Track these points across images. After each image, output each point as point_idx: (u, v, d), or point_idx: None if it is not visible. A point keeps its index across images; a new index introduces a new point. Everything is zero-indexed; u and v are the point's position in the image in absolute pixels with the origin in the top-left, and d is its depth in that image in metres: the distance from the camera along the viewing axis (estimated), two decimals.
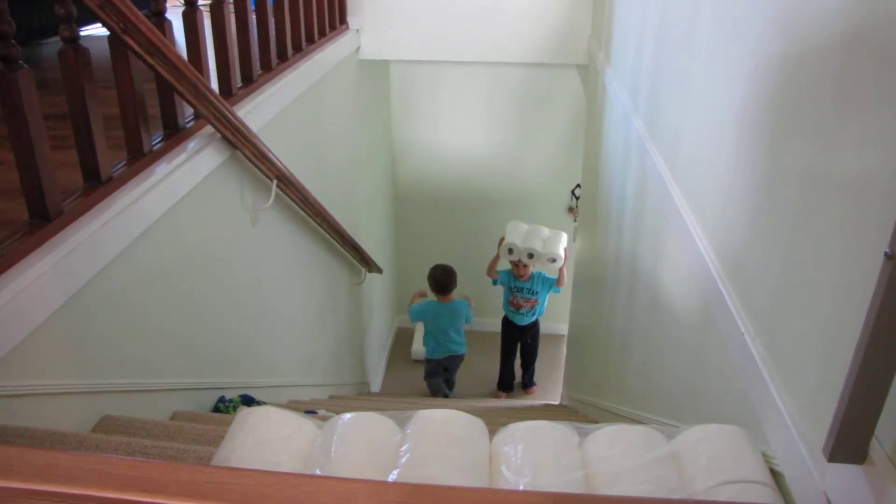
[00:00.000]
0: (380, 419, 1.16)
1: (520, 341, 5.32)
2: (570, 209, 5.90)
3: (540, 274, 4.94)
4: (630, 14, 2.77)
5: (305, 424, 1.16)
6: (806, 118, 1.06)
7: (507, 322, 5.24)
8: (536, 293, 4.98)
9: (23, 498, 0.64)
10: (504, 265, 5.02)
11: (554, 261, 4.81)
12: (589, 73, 4.33)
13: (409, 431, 1.13)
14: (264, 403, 2.35)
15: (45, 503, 0.63)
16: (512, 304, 5.06)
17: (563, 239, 4.93)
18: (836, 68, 0.96)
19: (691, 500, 0.98)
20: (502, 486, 1.01)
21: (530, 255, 4.77)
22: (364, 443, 1.11)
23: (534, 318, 5.13)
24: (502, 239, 4.83)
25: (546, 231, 4.99)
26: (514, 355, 5.41)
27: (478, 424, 1.17)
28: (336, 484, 0.72)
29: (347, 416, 1.17)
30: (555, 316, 6.11)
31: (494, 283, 5.05)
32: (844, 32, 0.93)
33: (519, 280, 4.93)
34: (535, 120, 5.74)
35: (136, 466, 0.70)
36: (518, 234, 4.88)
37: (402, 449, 1.08)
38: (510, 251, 4.82)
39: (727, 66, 1.47)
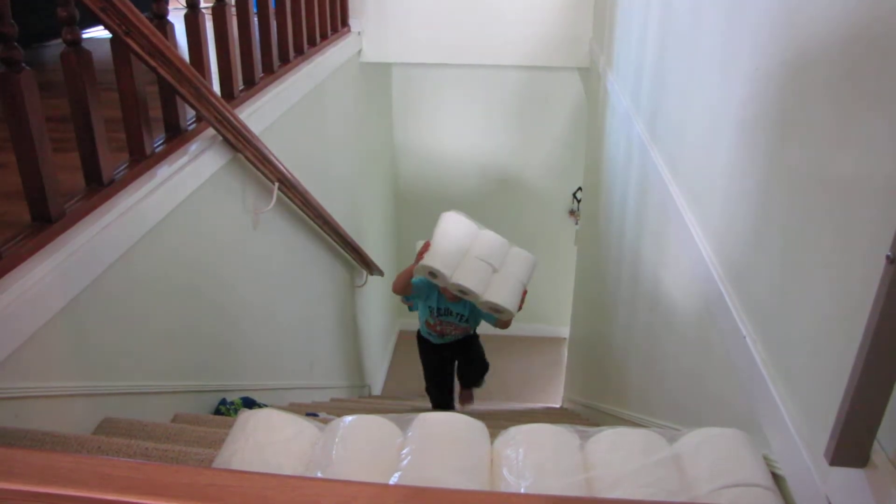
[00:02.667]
0: (381, 422, 1.16)
1: (452, 361, 3.78)
2: (572, 212, 5.90)
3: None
4: (632, 17, 2.77)
5: (306, 427, 1.16)
6: (806, 121, 1.06)
7: (424, 341, 3.62)
8: (467, 319, 3.33)
9: (24, 500, 0.64)
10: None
11: (499, 312, 2.99)
12: (590, 76, 4.34)
13: (410, 434, 1.13)
14: (265, 406, 2.35)
15: None
16: (431, 327, 3.42)
17: (529, 267, 3.12)
18: (835, 72, 0.96)
19: None
20: (503, 488, 1.01)
21: (462, 293, 2.99)
22: (365, 445, 1.11)
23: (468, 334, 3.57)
24: (426, 247, 2.99)
25: (498, 243, 3.10)
26: (449, 379, 3.83)
27: (479, 427, 1.17)
28: (337, 486, 0.72)
29: (349, 418, 1.17)
30: (556, 318, 6.12)
31: (407, 300, 3.44)
32: (845, 36, 0.93)
33: (446, 300, 3.25)
34: (536, 122, 5.74)
35: (138, 469, 0.70)
36: (449, 246, 2.95)
37: (404, 452, 1.08)
38: (431, 275, 2.99)
39: (728, 69, 1.47)
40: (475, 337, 3.64)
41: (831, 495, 0.88)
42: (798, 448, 0.98)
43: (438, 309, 3.29)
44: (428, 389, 3.85)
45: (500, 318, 3.09)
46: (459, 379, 3.87)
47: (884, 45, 0.83)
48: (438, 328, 3.38)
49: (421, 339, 3.63)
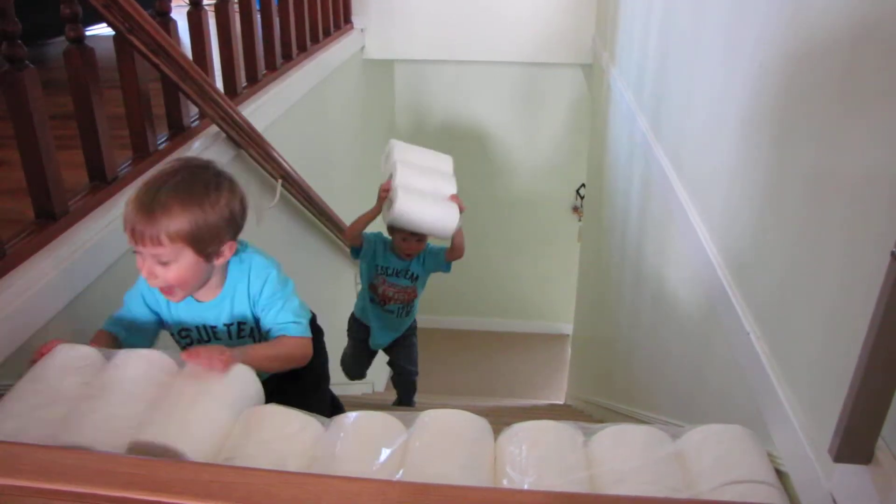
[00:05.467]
0: (386, 418, 1.16)
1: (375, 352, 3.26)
2: (575, 209, 5.90)
3: (430, 248, 2.78)
4: (635, 13, 2.77)
5: (310, 422, 1.16)
6: (811, 116, 1.06)
7: (358, 328, 3.11)
8: (416, 279, 2.82)
9: (28, 496, 0.64)
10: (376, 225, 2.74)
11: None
12: (593, 73, 4.33)
13: (414, 430, 1.13)
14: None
15: (51, 501, 0.63)
16: (373, 289, 2.85)
17: (449, 171, 2.75)
18: (841, 66, 0.96)
19: (696, 500, 0.97)
20: (507, 485, 1.01)
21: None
22: (369, 442, 1.11)
23: (406, 325, 3.04)
24: (388, 185, 2.54)
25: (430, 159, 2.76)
26: (369, 359, 3.37)
27: (482, 424, 1.17)
28: (341, 483, 0.72)
29: (353, 414, 1.17)
30: (559, 315, 6.11)
31: (355, 253, 2.76)
32: (850, 29, 0.93)
33: (395, 256, 2.73)
34: (539, 119, 5.73)
35: (141, 465, 0.71)
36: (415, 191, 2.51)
37: (408, 448, 1.08)
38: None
39: (731, 64, 1.47)
40: (412, 332, 3.14)
41: (835, 492, 0.88)
42: (802, 444, 0.97)
43: (382, 267, 2.78)
44: (343, 362, 3.31)
45: (453, 243, 2.67)
46: (395, 385, 3.48)
47: (890, 38, 0.83)
48: (381, 290, 2.83)
49: (353, 322, 3.15)
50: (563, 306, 5.93)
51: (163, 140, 1.97)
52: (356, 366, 3.35)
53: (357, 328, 3.12)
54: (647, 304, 2.28)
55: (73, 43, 1.59)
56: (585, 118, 5.10)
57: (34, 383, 1.15)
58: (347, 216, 3.50)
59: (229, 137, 2.19)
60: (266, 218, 2.62)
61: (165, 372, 1.19)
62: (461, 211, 2.57)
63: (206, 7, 2.23)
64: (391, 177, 2.53)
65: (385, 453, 1.08)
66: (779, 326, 1.14)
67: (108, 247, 1.62)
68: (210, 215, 1.28)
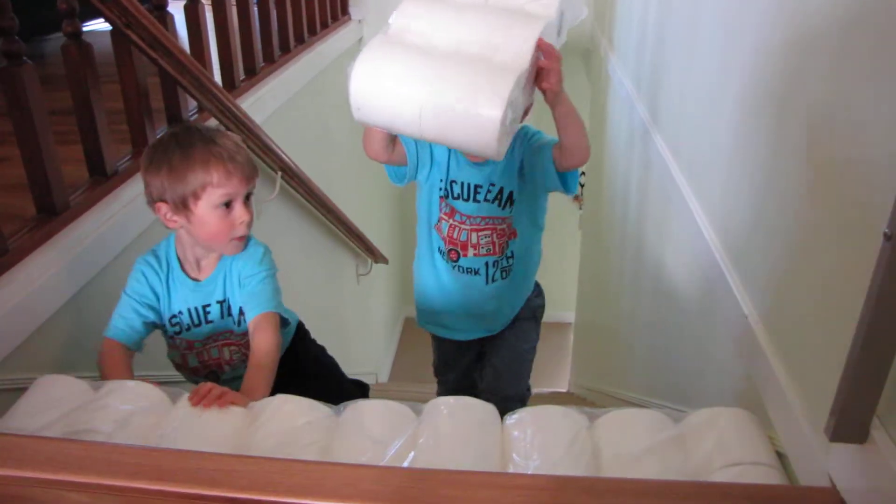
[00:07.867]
0: (395, 405, 1.17)
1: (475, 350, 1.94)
2: (576, 197, 5.90)
3: (527, 133, 1.52)
4: None
5: (321, 409, 1.16)
6: (806, 99, 1.06)
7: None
8: (511, 201, 1.53)
9: (35, 487, 0.65)
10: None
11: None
12: (592, 59, 4.32)
13: (424, 416, 1.13)
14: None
15: (55, 491, 0.64)
16: (439, 232, 1.61)
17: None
18: (835, 48, 0.96)
19: (697, 482, 0.98)
20: (511, 469, 1.02)
21: None
22: (380, 429, 1.11)
23: (509, 303, 1.72)
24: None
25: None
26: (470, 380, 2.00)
27: (490, 409, 1.18)
28: (342, 470, 0.73)
29: (366, 401, 1.17)
30: (561, 304, 6.12)
31: (398, 176, 1.60)
32: (845, 14, 0.93)
33: (467, 161, 1.53)
34: (537, 106, 5.71)
35: (145, 455, 0.72)
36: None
37: (417, 434, 1.08)
38: None
39: (729, 48, 1.47)
40: (531, 312, 1.81)
41: (832, 471, 0.88)
42: (800, 426, 0.98)
43: (452, 184, 1.55)
44: (440, 383, 2.15)
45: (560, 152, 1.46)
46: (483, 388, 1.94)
47: (883, 24, 0.83)
48: (446, 231, 1.60)
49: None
50: (564, 295, 5.94)
51: (162, 133, 1.98)
52: (449, 371, 2.05)
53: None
54: (647, 291, 2.28)
55: (70, 38, 1.59)
56: (584, 105, 5.08)
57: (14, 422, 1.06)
58: (347, 208, 3.50)
59: (228, 130, 2.19)
60: (265, 210, 2.63)
61: (158, 407, 1.16)
62: (554, 74, 1.38)
63: (203, 1, 2.23)
64: None
65: (395, 441, 1.09)
66: (776, 309, 1.15)
67: (109, 240, 1.63)
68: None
